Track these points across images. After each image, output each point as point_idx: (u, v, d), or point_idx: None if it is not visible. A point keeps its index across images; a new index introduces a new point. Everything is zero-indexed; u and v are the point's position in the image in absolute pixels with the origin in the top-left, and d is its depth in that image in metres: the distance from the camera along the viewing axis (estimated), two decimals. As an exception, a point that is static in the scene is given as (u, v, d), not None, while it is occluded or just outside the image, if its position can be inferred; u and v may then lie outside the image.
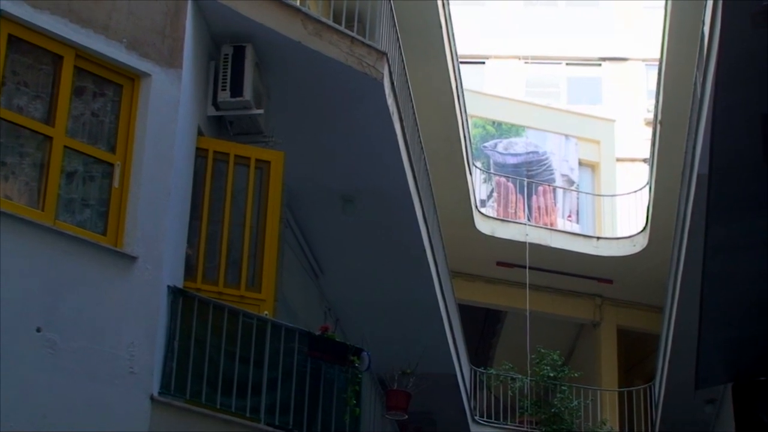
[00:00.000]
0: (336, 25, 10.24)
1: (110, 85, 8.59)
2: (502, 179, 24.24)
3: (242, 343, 8.86)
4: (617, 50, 30.78)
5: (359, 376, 9.70)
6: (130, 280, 8.16)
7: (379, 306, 15.44)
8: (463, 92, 19.29)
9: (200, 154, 9.46)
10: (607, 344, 22.82)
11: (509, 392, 19.94)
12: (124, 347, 7.99)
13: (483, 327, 25.82)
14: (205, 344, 8.64)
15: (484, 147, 24.89)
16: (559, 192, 24.79)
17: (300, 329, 9.47)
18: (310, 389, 9.23)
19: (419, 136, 14.11)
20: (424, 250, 14.07)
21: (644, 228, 20.88)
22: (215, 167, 9.60)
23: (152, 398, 8.13)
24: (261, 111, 9.89)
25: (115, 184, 8.39)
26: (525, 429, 19.80)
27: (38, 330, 7.55)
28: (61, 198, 8.09)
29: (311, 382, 9.27)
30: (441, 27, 16.69)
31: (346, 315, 15.76)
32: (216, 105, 9.72)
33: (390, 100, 10.97)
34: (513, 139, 25.27)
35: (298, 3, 10.17)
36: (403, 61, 12.82)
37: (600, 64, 31.01)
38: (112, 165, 8.43)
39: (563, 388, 19.36)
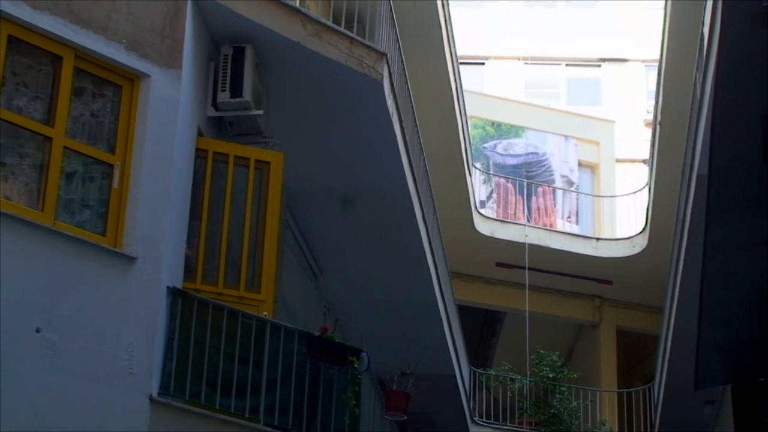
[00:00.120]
0: (335, 26, 10.24)
1: (110, 86, 8.59)
2: (502, 180, 24.24)
3: (241, 343, 8.86)
4: (617, 51, 30.78)
5: (358, 376, 9.70)
6: (130, 281, 8.16)
7: (378, 307, 15.43)
8: (462, 93, 19.29)
9: (200, 154, 9.46)
10: (606, 345, 22.82)
11: (508, 393, 19.94)
12: (123, 348, 7.99)
13: (482, 328, 25.81)
14: (204, 345, 8.64)
15: (484, 148, 24.89)
16: (559, 193, 24.79)
17: (299, 330, 9.47)
18: (309, 390, 9.24)
19: (419, 137, 14.11)
20: (424, 251, 14.07)
21: (644, 229, 20.88)
22: (215, 168, 9.60)
23: (151, 399, 8.13)
24: (260, 112, 9.89)
25: (115, 184, 8.39)
26: (524, 430, 19.78)
27: (38, 330, 7.55)
28: (60, 198, 8.09)
29: (310, 382, 9.27)
30: (441, 28, 16.69)
31: (345, 315, 15.75)
32: (216, 105, 9.71)
33: (390, 101, 10.97)
34: (512, 140, 25.28)
35: (297, 4, 10.17)
36: (402, 61, 12.82)
37: (599, 65, 31.01)
38: (111, 165, 8.43)
39: (562, 388, 19.36)
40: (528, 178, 24.30)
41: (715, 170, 8.67)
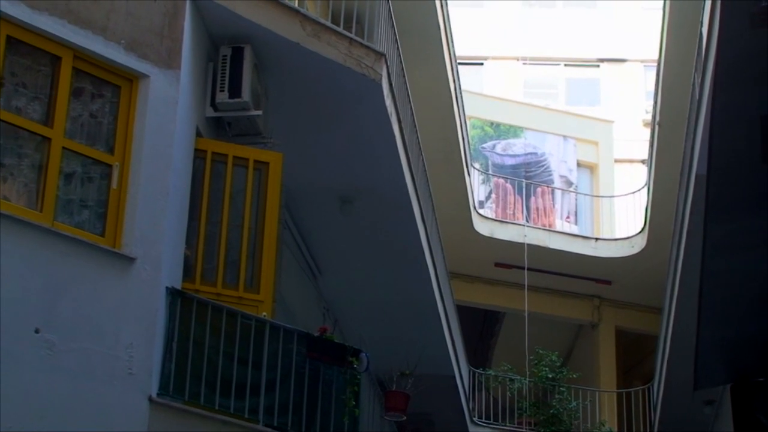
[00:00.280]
0: (334, 26, 10.24)
1: (108, 86, 8.59)
2: (501, 180, 24.24)
3: (241, 344, 8.85)
4: (616, 51, 30.78)
5: (358, 377, 9.70)
6: (129, 281, 8.16)
7: (377, 307, 15.43)
8: (461, 93, 19.29)
9: (199, 155, 9.46)
10: (605, 345, 22.82)
11: (508, 393, 19.95)
12: (122, 348, 7.99)
13: (482, 328, 25.83)
14: (203, 345, 8.63)
15: (483, 148, 24.89)
16: (558, 193, 24.80)
17: (298, 330, 9.47)
18: (308, 390, 9.23)
19: (418, 137, 14.11)
20: (423, 251, 14.07)
21: (643, 229, 20.88)
22: (214, 168, 9.59)
23: (150, 399, 8.13)
24: (259, 112, 9.88)
25: (114, 185, 8.38)
26: (524, 430, 19.79)
27: (37, 331, 7.55)
28: (59, 199, 8.09)
29: (310, 383, 9.27)
30: (439, 28, 16.68)
31: (344, 316, 15.75)
32: (214, 106, 9.71)
33: (388, 101, 10.97)
34: (511, 140, 25.27)
35: (296, 4, 10.17)
36: (401, 62, 12.81)
37: (598, 65, 31.01)
38: (110, 166, 8.43)
39: (562, 389, 19.37)
40: (527, 178, 24.30)
41: (714, 170, 8.67)
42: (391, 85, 11.16)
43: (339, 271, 14.61)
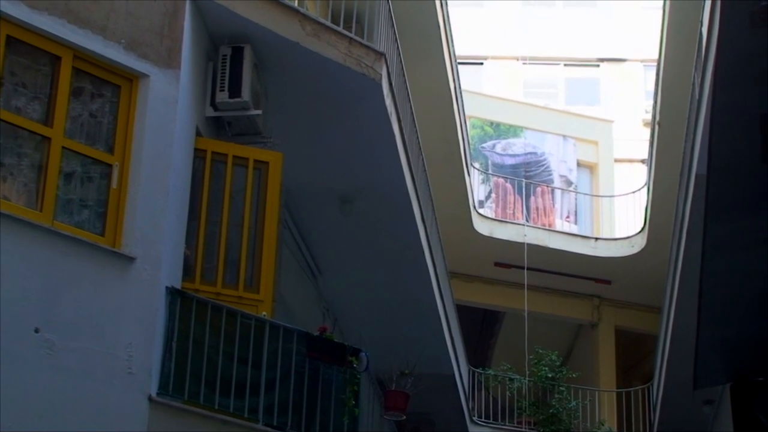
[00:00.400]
0: (334, 26, 10.24)
1: (108, 86, 8.59)
2: (501, 180, 24.24)
3: (240, 343, 8.85)
4: (615, 51, 30.77)
5: (357, 376, 9.70)
6: (129, 281, 8.16)
7: (377, 306, 15.44)
8: (461, 93, 19.28)
9: (198, 154, 9.46)
10: (605, 345, 22.82)
11: (507, 393, 19.95)
12: (122, 348, 7.99)
13: (481, 327, 25.82)
14: (203, 345, 8.64)
15: (483, 148, 24.89)
16: (558, 193, 24.79)
17: (298, 330, 9.47)
18: (308, 390, 9.23)
19: (417, 137, 14.11)
20: (423, 251, 14.07)
21: (642, 228, 20.88)
22: (213, 168, 9.59)
23: (150, 399, 8.13)
24: (259, 112, 9.88)
25: (114, 184, 8.38)
26: (523, 429, 19.80)
27: (36, 330, 7.55)
28: (59, 199, 8.09)
29: (309, 382, 9.27)
30: (439, 28, 16.68)
31: (344, 315, 15.76)
32: (214, 105, 9.71)
33: (388, 101, 10.97)
34: (511, 140, 25.27)
35: (296, 4, 10.17)
36: (401, 61, 12.81)
37: (598, 65, 31.00)
38: (110, 166, 8.43)
39: (561, 388, 19.37)
40: (527, 177, 24.30)
41: (713, 170, 8.67)
42: (390, 84, 11.16)
43: (339, 271, 14.62)
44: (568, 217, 24.62)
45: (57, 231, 7.85)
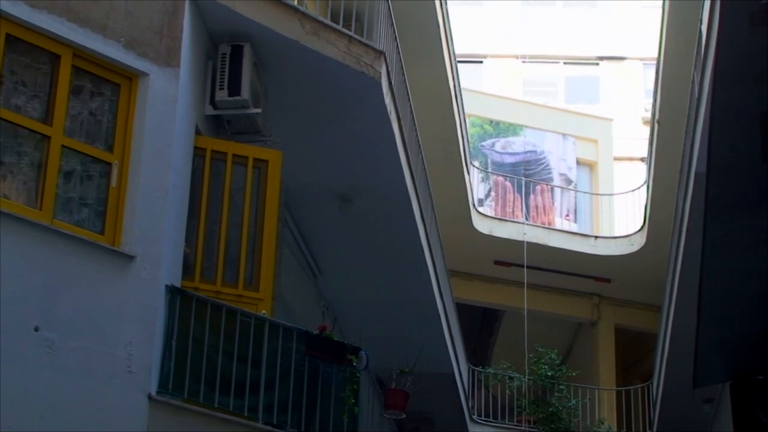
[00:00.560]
0: (333, 24, 10.24)
1: (108, 85, 8.59)
2: (500, 178, 24.24)
3: (240, 342, 8.85)
4: (615, 49, 30.78)
5: (357, 375, 9.70)
6: (128, 279, 8.16)
7: (377, 305, 15.44)
8: (460, 91, 19.28)
9: (198, 153, 9.46)
10: (605, 343, 22.82)
11: (507, 391, 19.96)
12: (122, 346, 7.99)
13: (481, 326, 25.83)
14: (203, 343, 8.63)
15: (482, 146, 24.89)
16: (557, 191, 24.79)
17: (298, 328, 9.47)
18: (308, 388, 9.23)
19: (417, 135, 14.11)
20: (422, 249, 14.07)
21: (642, 227, 20.88)
22: (213, 166, 9.59)
23: (150, 397, 8.13)
24: (259, 110, 9.88)
25: (113, 183, 8.38)
26: (523, 428, 19.81)
27: (36, 329, 7.55)
28: (58, 197, 8.09)
29: (309, 381, 9.26)
30: (439, 26, 16.68)
31: (343, 314, 15.76)
32: (214, 104, 9.71)
33: (388, 99, 10.97)
34: (511, 138, 25.27)
35: (295, 2, 10.17)
36: (400, 60, 12.81)
37: (598, 63, 31.01)
38: (109, 164, 8.43)
39: (561, 387, 19.37)
40: (526, 176, 24.30)
41: (713, 168, 8.67)
42: (390, 83, 11.16)
43: (338, 270, 14.62)
44: (567, 215, 24.62)
45: (56, 229, 7.85)
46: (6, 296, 7.38)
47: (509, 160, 24.96)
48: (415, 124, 13.88)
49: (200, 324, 8.67)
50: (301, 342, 9.32)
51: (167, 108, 8.73)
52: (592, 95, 30.37)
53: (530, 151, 25.13)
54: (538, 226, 22.43)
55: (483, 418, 20.37)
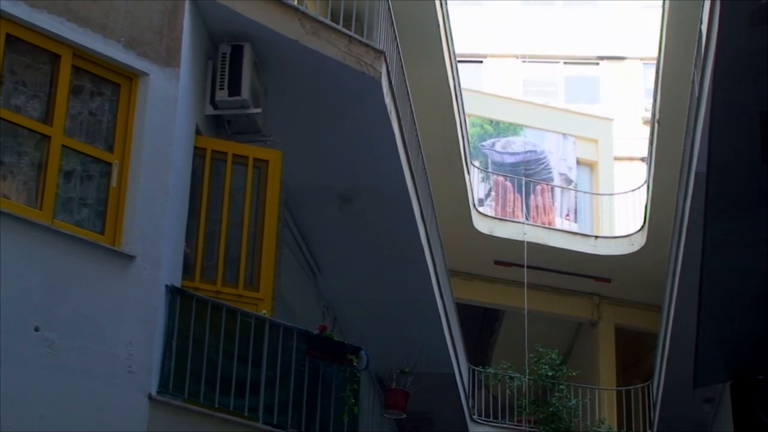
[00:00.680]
0: (334, 24, 10.24)
1: (108, 84, 8.59)
2: (500, 178, 24.23)
3: (240, 342, 8.85)
4: (615, 49, 30.77)
5: (357, 375, 9.70)
6: (128, 279, 8.16)
7: (377, 305, 15.43)
8: (461, 91, 19.28)
9: (198, 153, 9.46)
10: (605, 343, 22.82)
11: (507, 391, 19.96)
12: (122, 346, 7.99)
13: (481, 326, 25.82)
14: (203, 343, 8.63)
15: (482, 146, 24.89)
16: (557, 191, 24.79)
17: (298, 328, 9.47)
18: (308, 388, 9.23)
19: (417, 135, 14.10)
20: (422, 249, 14.07)
21: (642, 227, 20.88)
22: (213, 166, 9.59)
23: (150, 397, 8.13)
24: (259, 110, 9.88)
25: (113, 183, 8.38)
26: (523, 428, 19.81)
27: (36, 329, 7.55)
28: (59, 197, 8.09)
29: (309, 381, 9.26)
30: (439, 26, 16.68)
31: (344, 314, 15.76)
32: (214, 104, 9.71)
33: (388, 99, 10.97)
34: (511, 138, 25.27)
35: (295, 2, 10.17)
36: (400, 60, 12.81)
37: (598, 63, 31.00)
38: (110, 164, 8.43)
39: (561, 387, 19.37)
40: (526, 176, 24.29)
41: (713, 168, 8.67)
42: (390, 83, 11.16)
43: (338, 269, 14.61)
44: (567, 215, 24.61)
45: (57, 229, 7.85)
46: (6, 296, 7.38)
47: (509, 159, 24.96)
48: (415, 124, 13.88)
49: (200, 324, 8.67)
50: (301, 342, 9.32)
51: (167, 108, 8.73)
52: (592, 95, 30.36)
53: (530, 151, 25.13)
54: (539, 226, 22.43)
55: (483, 418, 20.37)
